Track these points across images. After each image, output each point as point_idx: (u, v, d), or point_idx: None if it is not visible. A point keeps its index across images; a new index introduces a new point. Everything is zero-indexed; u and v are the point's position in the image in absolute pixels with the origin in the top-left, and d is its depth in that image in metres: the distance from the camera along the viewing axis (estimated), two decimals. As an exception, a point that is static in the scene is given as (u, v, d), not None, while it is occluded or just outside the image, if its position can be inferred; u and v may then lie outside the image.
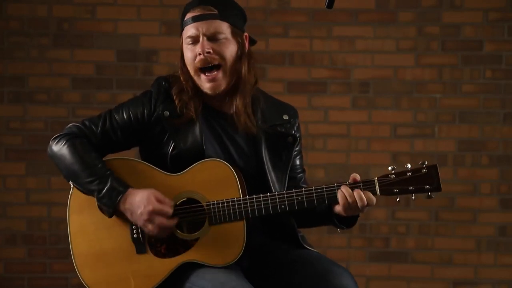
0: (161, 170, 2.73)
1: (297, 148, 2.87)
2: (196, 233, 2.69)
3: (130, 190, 2.68)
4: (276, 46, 4.93)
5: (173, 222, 2.67)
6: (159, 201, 2.66)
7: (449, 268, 4.95)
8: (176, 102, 2.75)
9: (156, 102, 2.76)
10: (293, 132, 2.84)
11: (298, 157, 2.90)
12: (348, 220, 2.74)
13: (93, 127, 2.77)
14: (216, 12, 2.72)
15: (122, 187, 2.68)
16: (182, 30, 2.77)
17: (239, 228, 2.67)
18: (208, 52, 2.70)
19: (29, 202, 4.96)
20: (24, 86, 4.95)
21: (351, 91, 4.97)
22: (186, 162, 2.71)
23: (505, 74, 4.94)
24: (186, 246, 2.69)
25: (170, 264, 2.70)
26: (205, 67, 2.73)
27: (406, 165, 2.62)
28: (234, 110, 2.77)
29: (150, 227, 2.67)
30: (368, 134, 4.97)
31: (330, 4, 2.70)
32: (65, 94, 4.96)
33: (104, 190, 2.67)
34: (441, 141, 4.96)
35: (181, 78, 2.77)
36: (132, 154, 2.85)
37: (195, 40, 2.72)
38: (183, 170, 2.71)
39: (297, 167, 2.90)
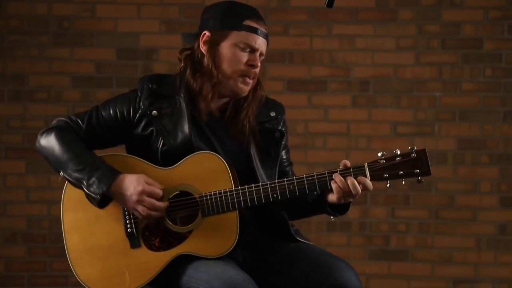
0: (152, 164, 2.76)
1: (283, 143, 2.91)
2: (189, 225, 2.71)
3: (119, 175, 2.70)
4: (276, 44, 4.93)
5: (163, 205, 2.68)
6: (148, 182, 2.68)
7: (449, 267, 4.96)
8: (208, 99, 2.79)
9: (141, 100, 2.79)
10: (280, 127, 2.89)
11: (284, 151, 2.94)
12: (341, 207, 2.76)
13: (80, 122, 2.81)
14: (268, 34, 2.84)
15: (112, 173, 2.70)
16: (233, 29, 2.78)
17: (232, 219, 2.68)
18: (258, 68, 2.81)
19: (29, 201, 4.96)
20: (24, 84, 4.95)
21: (351, 90, 4.97)
22: (177, 158, 2.73)
23: (505, 73, 4.94)
24: (180, 238, 2.71)
25: (164, 257, 2.70)
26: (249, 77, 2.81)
27: (396, 151, 2.65)
28: (246, 118, 2.83)
29: (140, 209, 2.68)
30: (368, 133, 4.97)
31: (330, 3, 2.71)
32: (65, 92, 4.96)
33: (94, 177, 2.68)
34: (441, 139, 4.96)
35: (213, 75, 2.79)
36: (122, 150, 2.86)
37: (252, 51, 2.79)
38: (174, 164, 2.74)
39: (284, 160, 2.94)
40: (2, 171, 4.96)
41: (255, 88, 2.85)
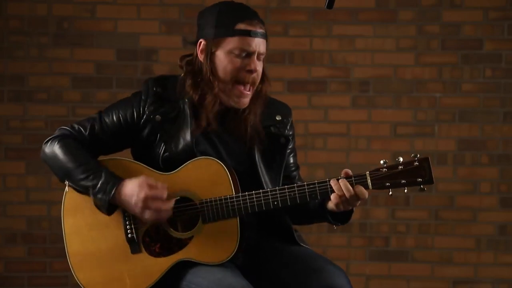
0: (154, 170, 2.74)
1: (290, 147, 2.88)
2: (190, 231, 2.70)
3: (121, 182, 2.68)
4: (276, 45, 4.93)
5: (169, 204, 2.66)
6: (150, 186, 2.65)
7: (449, 267, 4.96)
8: (207, 113, 2.74)
9: (146, 104, 2.76)
10: (286, 132, 2.86)
11: (291, 155, 2.91)
12: (342, 216, 2.74)
13: (82, 130, 2.79)
14: (265, 32, 2.75)
15: (116, 180, 2.68)
16: (226, 36, 2.71)
17: (232, 226, 2.68)
18: (257, 71, 2.73)
19: (29, 201, 4.96)
20: (24, 85, 4.95)
21: (351, 90, 4.97)
22: (178, 165, 2.72)
23: (505, 73, 4.94)
24: (180, 244, 2.70)
25: (165, 263, 2.70)
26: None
27: (398, 159, 2.62)
28: (248, 115, 2.77)
29: (147, 215, 2.66)
30: (368, 133, 4.97)
31: (330, 5, 2.70)
32: (65, 93, 4.96)
33: (99, 185, 2.67)
34: (441, 140, 4.96)
35: (214, 85, 2.72)
36: (124, 154, 2.85)
37: (247, 55, 2.71)
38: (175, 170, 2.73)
39: (291, 165, 2.91)
40: (2, 172, 4.95)
41: (260, 84, 2.78)
